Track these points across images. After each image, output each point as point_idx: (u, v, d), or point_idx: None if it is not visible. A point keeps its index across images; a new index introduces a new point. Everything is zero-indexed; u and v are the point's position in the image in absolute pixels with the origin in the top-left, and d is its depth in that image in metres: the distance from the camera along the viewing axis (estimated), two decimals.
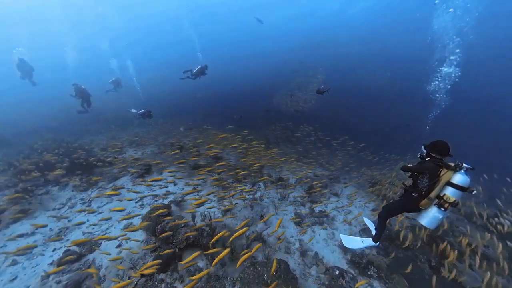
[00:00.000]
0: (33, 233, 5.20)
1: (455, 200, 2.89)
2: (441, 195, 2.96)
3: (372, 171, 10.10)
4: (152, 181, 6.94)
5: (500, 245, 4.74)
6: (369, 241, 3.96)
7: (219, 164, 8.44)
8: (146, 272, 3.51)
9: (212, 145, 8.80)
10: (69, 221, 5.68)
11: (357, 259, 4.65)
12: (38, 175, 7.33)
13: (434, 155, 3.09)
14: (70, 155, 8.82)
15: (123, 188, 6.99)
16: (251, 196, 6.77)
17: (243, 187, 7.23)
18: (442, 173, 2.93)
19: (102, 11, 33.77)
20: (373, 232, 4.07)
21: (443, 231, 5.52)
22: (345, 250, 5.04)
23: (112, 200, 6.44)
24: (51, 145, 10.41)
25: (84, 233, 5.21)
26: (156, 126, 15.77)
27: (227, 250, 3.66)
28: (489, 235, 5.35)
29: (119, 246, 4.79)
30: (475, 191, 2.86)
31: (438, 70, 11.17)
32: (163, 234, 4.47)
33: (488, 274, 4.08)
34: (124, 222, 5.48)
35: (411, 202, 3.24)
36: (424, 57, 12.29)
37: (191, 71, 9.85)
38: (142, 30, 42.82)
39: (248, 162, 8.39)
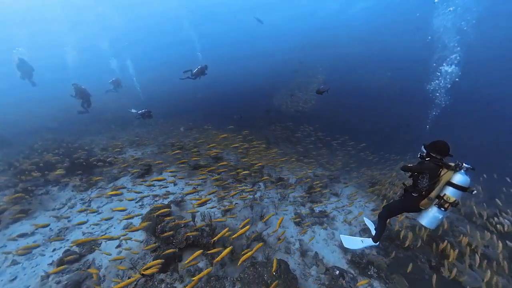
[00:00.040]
0: (33, 233, 5.20)
1: (455, 200, 2.89)
2: (441, 195, 2.96)
3: (372, 171, 10.10)
4: (154, 181, 6.94)
5: (500, 244, 4.74)
6: (369, 241, 3.96)
7: (220, 164, 8.44)
8: (148, 272, 3.51)
9: (213, 144, 8.80)
10: (69, 221, 5.68)
11: (357, 259, 4.65)
12: (38, 175, 7.33)
13: (434, 155, 3.08)
14: (70, 155, 8.82)
15: (123, 188, 6.99)
16: (251, 196, 6.77)
17: (243, 187, 7.23)
18: (442, 173, 2.93)
19: (102, 11, 33.80)
20: (373, 232, 4.07)
21: (443, 231, 5.52)
22: (345, 250, 5.04)
23: (112, 200, 6.45)
24: (51, 145, 10.42)
25: (84, 233, 5.22)
26: (156, 126, 15.77)
27: (229, 248, 3.67)
28: (489, 234, 5.35)
29: (119, 246, 4.79)
30: (475, 191, 2.86)
31: (438, 69, 11.18)
32: (164, 234, 4.48)
33: (488, 273, 4.08)
34: (124, 222, 5.48)
35: (411, 202, 3.24)
36: (424, 57, 12.30)
37: (191, 71, 9.86)
38: (142, 30, 42.87)
39: (249, 162, 8.39)
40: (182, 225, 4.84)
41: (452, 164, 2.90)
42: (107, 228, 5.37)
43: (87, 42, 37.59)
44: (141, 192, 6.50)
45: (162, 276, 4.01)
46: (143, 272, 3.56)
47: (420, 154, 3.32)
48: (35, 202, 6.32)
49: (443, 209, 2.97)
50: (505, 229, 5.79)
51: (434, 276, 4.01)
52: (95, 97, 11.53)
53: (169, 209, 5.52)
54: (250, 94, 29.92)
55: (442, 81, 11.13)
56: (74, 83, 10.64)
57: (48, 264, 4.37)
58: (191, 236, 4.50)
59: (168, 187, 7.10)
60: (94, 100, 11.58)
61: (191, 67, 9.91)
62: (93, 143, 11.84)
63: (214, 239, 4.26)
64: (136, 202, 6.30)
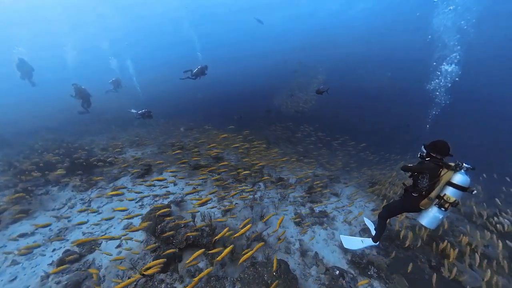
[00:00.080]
0: (33, 233, 5.20)
1: (455, 200, 2.89)
2: (442, 195, 2.96)
3: (372, 171, 10.10)
4: (154, 180, 6.94)
5: (500, 244, 4.74)
6: (369, 241, 3.96)
7: (221, 164, 8.44)
8: (150, 271, 3.51)
9: (213, 144, 8.80)
10: (69, 221, 5.69)
11: (357, 259, 4.65)
12: (38, 175, 7.33)
13: (434, 155, 3.08)
14: (70, 155, 8.83)
15: (123, 188, 6.99)
16: (251, 196, 6.77)
17: (244, 187, 7.23)
18: (442, 173, 2.93)
19: (103, 11, 33.81)
20: (373, 232, 4.07)
21: (443, 231, 5.52)
22: (345, 250, 5.04)
23: (112, 200, 6.45)
24: (51, 145, 10.43)
25: (84, 233, 5.22)
26: (157, 127, 15.78)
27: (230, 246, 3.68)
28: (489, 234, 5.35)
29: (119, 246, 4.79)
30: (475, 191, 2.86)
31: (438, 68, 11.17)
32: (165, 234, 4.48)
33: (488, 273, 4.07)
34: (124, 222, 5.48)
35: (412, 202, 3.23)
36: (424, 57, 12.29)
37: (191, 71, 9.86)
38: (142, 30, 42.89)
39: (249, 162, 8.39)
40: (182, 225, 4.84)
41: (452, 164, 2.90)
42: (107, 228, 5.37)
43: (87, 42, 37.65)
44: (141, 192, 6.51)
45: (162, 276, 4.01)
46: (144, 272, 3.56)
47: (420, 154, 3.32)
48: (35, 202, 6.32)
49: (443, 209, 2.97)
50: (505, 228, 5.79)
51: (434, 276, 4.00)
52: (95, 97, 11.54)
53: (169, 209, 5.52)
54: (250, 94, 29.94)
55: (442, 80, 11.13)
56: (74, 83, 10.65)
57: (48, 264, 4.37)
58: (191, 236, 4.50)
59: (168, 187, 7.10)
60: (94, 100, 11.58)
61: (191, 67, 9.92)
62: (93, 143, 11.85)
63: (216, 238, 4.26)
64: (136, 202, 6.30)
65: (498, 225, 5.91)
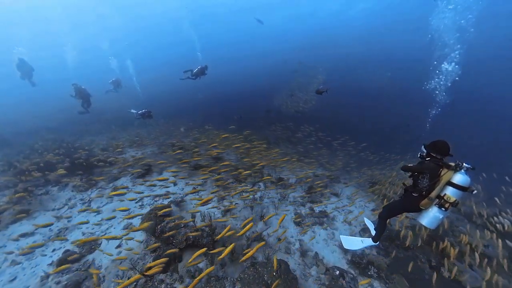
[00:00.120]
0: (33, 233, 5.20)
1: (455, 200, 2.89)
2: (442, 195, 2.96)
3: (372, 171, 10.10)
4: (155, 180, 6.94)
5: (500, 244, 4.74)
6: (369, 241, 3.96)
7: (221, 164, 8.44)
8: (152, 271, 3.51)
9: (214, 144, 8.80)
10: (69, 221, 5.68)
11: (357, 259, 4.65)
12: (38, 175, 7.33)
13: (434, 155, 3.08)
14: (70, 155, 8.82)
15: (123, 188, 6.99)
16: (252, 197, 6.77)
17: (244, 187, 7.23)
18: (442, 173, 2.93)
19: (103, 11, 33.83)
20: (373, 232, 4.07)
21: (443, 231, 5.51)
22: (345, 250, 5.03)
23: (112, 200, 6.45)
24: (51, 145, 10.42)
25: (84, 233, 5.22)
26: (157, 127, 15.77)
27: (232, 245, 3.68)
28: (489, 234, 5.35)
29: (119, 246, 4.79)
30: (475, 191, 2.86)
31: (438, 67, 11.17)
32: (166, 234, 4.48)
33: (489, 273, 4.07)
34: (124, 222, 5.48)
35: (412, 202, 3.23)
36: (424, 57, 12.29)
37: (192, 71, 9.86)
38: (143, 30, 42.93)
39: (250, 162, 8.39)
40: (182, 225, 4.84)
41: (452, 164, 2.90)
42: (107, 228, 5.37)
43: (87, 42, 37.66)
44: (142, 192, 6.50)
45: (162, 276, 4.01)
46: (145, 273, 3.56)
47: (420, 154, 3.32)
48: (35, 202, 6.32)
49: (443, 209, 2.97)
50: (505, 228, 5.79)
51: (434, 276, 4.00)
52: (95, 97, 11.54)
53: (169, 209, 5.52)
54: (250, 94, 29.90)
55: (443, 80, 11.13)
56: (74, 83, 10.65)
57: (47, 265, 4.37)
58: (191, 237, 4.50)
59: (168, 187, 7.10)
60: (94, 100, 11.59)
61: (191, 67, 9.92)
62: (93, 143, 11.85)
63: (217, 237, 4.26)
64: (136, 202, 6.30)
65: (498, 225, 5.91)
